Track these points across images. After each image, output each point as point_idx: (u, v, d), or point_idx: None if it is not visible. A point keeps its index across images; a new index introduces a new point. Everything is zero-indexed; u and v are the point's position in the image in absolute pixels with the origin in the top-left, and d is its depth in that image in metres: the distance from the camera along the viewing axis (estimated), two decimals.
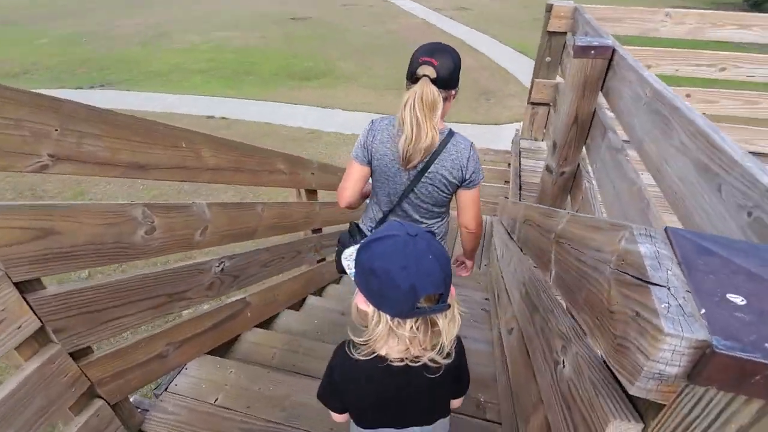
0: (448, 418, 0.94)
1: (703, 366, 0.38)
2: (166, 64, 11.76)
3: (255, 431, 1.36)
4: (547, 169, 1.86)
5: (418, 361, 0.75)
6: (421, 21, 14.87)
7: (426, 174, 1.30)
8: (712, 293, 0.42)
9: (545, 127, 3.14)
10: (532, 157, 3.03)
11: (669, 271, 0.45)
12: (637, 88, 1.22)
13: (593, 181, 1.64)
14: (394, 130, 1.29)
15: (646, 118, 1.12)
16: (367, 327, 0.75)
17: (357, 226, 1.52)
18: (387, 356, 0.76)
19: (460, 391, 0.95)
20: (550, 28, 2.65)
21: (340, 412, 0.92)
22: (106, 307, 1.12)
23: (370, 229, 1.50)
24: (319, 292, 2.71)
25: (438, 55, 1.19)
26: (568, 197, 1.89)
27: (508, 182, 4.93)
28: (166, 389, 1.49)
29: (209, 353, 1.66)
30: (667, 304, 0.41)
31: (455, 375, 0.85)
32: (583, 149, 1.75)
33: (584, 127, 1.68)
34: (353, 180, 1.39)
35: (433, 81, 1.19)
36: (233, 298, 1.77)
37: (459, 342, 0.82)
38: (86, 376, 1.08)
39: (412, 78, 1.23)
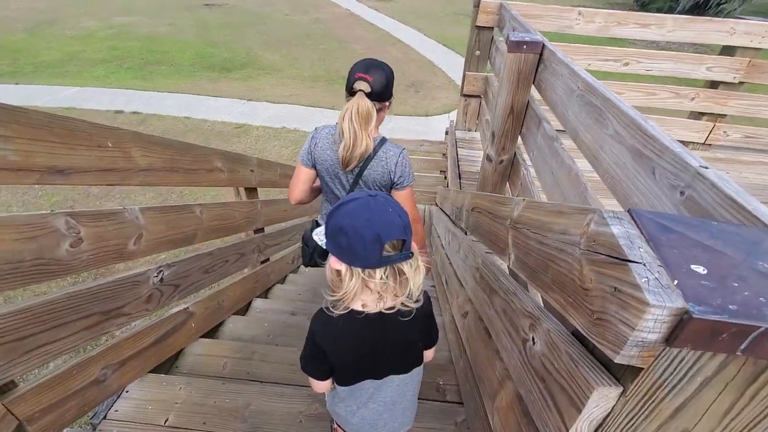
0: (422, 366, 1.02)
1: (680, 330, 0.43)
2: (60, 53, 10.41)
3: None
4: (487, 158, 1.96)
5: (393, 309, 0.83)
6: (345, 11, 14.72)
7: (361, 178, 1.44)
8: (679, 266, 0.47)
9: (477, 118, 3.29)
10: (467, 146, 3.16)
11: (641, 249, 0.50)
12: (569, 82, 1.32)
13: (530, 168, 1.76)
14: (334, 137, 1.42)
15: (579, 109, 1.22)
16: (343, 284, 0.81)
17: (316, 222, 1.65)
18: (363, 308, 0.83)
19: (431, 340, 1.02)
20: (479, 23, 2.78)
21: (324, 378, 0.94)
22: (30, 333, 0.97)
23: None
24: (264, 294, 2.60)
25: (372, 71, 1.31)
26: (507, 184, 2.01)
27: (444, 172, 5.12)
28: (105, 417, 1.34)
29: (151, 372, 1.52)
30: (646, 279, 0.45)
31: (426, 323, 0.94)
32: (519, 138, 1.86)
33: (519, 118, 1.79)
34: (300, 181, 1.52)
35: (368, 95, 1.31)
36: (175, 309, 1.64)
37: (427, 294, 0.92)
38: (13, 414, 0.94)
39: (350, 92, 1.35)
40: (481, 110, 3.22)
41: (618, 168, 0.97)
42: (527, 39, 1.60)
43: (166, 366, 1.64)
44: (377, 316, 0.83)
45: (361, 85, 1.30)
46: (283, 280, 2.95)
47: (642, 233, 0.52)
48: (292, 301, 2.52)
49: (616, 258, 0.50)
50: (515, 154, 1.91)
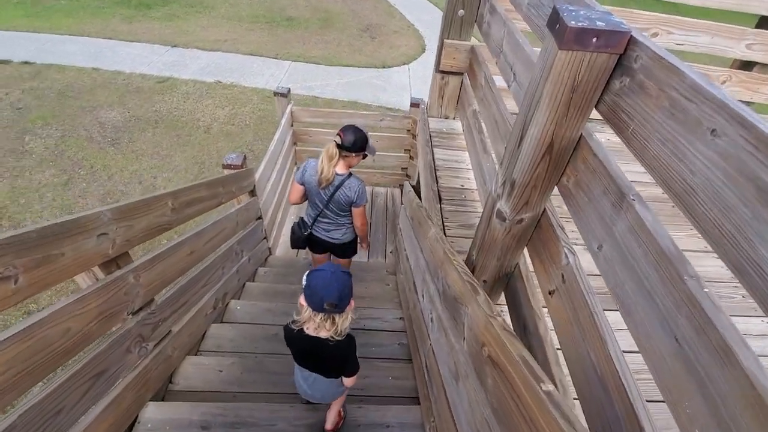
0: (342, 389, 1.59)
1: None
2: None
3: None
4: (498, 215, 1.20)
5: (324, 337, 1.37)
6: None
7: (333, 198, 2.25)
8: None
9: (459, 102, 2.46)
10: (446, 144, 2.36)
11: None
12: (736, 135, 0.57)
13: (578, 255, 1.03)
14: (316, 167, 2.21)
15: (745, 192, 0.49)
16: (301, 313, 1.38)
17: (302, 219, 2.46)
18: (307, 330, 1.39)
19: (349, 371, 1.52)
20: None
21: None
22: None
23: (309, 218, 2.42)
24: (163, 390, 1.80)
25: (345, 131, 2.13)
26: (526, 249, 1.29)
27: (408, 151, 4.31)
28: None
29: None
30: None
31: (343, 356, 1.45)
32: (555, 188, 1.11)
33: (561, 162, 1.03)
34: (296, 191, 2.33)
35: (338, 145, 2.14)
36: None
37: (351, 338, 1.43)
38: None
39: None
40: (463, 92, 2.38)
41: None
42: (603, 27, 0.81)
43: None
44: (314, 338, 1.38)
45: (336, 139, 2.13)
46: (198, 345, 2.13)
47: None
48: (210, 392, 1.75)
49: None
50: (544, 211, 1.17)
